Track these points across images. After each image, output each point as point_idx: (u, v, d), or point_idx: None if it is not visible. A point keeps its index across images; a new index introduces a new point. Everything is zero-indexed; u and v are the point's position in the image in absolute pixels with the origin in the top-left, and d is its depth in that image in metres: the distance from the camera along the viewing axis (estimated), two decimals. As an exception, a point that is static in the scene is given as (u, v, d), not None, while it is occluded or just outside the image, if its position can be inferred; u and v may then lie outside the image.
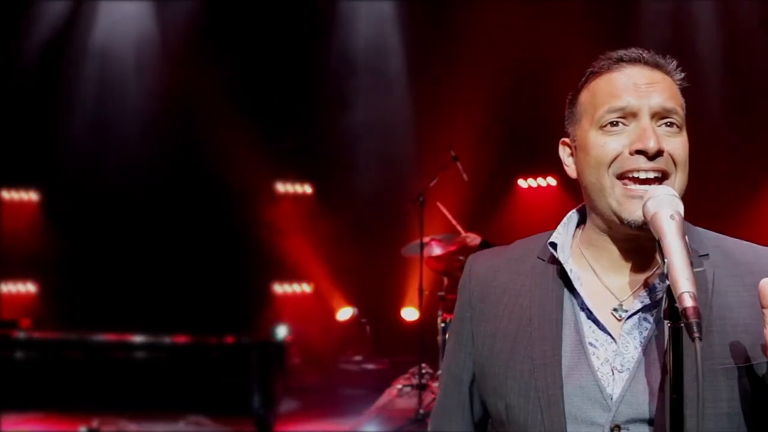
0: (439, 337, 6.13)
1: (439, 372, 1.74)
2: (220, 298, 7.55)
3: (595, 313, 1.44)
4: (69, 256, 7.99)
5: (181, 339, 5.50)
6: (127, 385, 5.16)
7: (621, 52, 1.47)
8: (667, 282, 1.20)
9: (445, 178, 6.55)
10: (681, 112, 1.43)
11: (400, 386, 6.49)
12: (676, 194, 1.35)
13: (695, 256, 1.36)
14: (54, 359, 5.18)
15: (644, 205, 1.33)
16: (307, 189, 9.23)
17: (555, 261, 1.51)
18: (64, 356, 5.19)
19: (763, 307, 1.28)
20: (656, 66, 1.45)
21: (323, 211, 8.58)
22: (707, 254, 1.43)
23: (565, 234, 1.54)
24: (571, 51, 8.21)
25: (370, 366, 8.19)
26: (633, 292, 1.45)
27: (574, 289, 1.47)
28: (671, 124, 1.41)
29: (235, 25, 8.21)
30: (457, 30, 8.18)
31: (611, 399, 1.39)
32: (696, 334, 1.13)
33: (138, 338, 5.26)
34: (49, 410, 5.51)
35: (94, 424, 5.17)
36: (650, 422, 1.37)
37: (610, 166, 1.41)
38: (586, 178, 1.47)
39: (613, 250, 1.48)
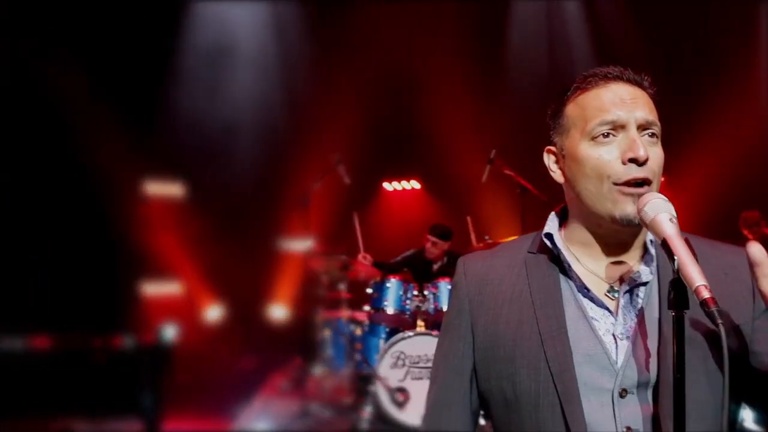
0: (320, 334, 6.39)
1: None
2: (89, 297, 7.38)
3: (593, 291, 1.63)
4: None
5: (45, 340, 5.41)
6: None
7: (605, 70, 1.68)
8: (675, 275, 1.40)
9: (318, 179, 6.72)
10: (659, 123, 1.65)
11: (281, 382, 6.66)
12: (665, 199, 1.54)
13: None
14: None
15: (642, 210, 1.56)
16: (178, 187, 9.13)
17: (546, 252, 1.70)
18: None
19: (754, 266, 1.43)
20: (636, 83, 1.68)
21: (194, 209, 8.55)
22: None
23: (552, 230, 1.74)
24: (438, 64, 8.78)
25: (243, 363, 8.26)
26: (622, 276, 1.65)
27: (568, 274, 1.66)
28: (652, 135, 1.66)
29: (97, 17, 8.01)
30: (336, 35, 8.42)
31: (617, 364, 1.56)
32: (719, 321, 1.34)
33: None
34: None
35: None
36: (652, 386, 1.56)
37: (608, 178, 1.59)
38: (581, 185, 1.64)
39: (599, 247, 1.68)
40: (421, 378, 5.39)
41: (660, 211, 1.53)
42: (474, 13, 8.38)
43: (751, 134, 7.94)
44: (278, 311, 8.58)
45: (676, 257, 1.43)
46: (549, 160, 1.76)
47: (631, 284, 1.64)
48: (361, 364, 6.15)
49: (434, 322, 5.71)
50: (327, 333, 6.43)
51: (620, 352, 1.60)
